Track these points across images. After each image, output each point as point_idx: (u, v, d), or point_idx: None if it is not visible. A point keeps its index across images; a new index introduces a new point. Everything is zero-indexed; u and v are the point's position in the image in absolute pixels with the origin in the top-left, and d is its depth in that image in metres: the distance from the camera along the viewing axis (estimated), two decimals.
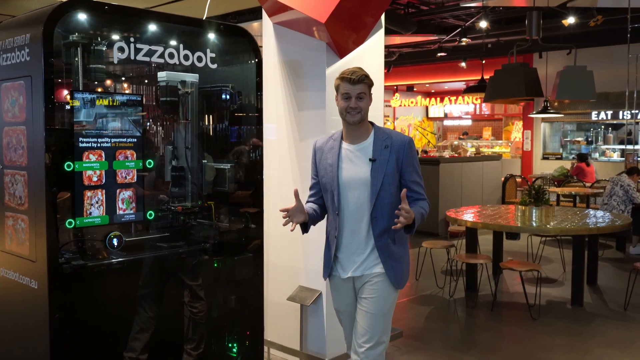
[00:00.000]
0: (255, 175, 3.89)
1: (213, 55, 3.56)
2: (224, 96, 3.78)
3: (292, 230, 2.85)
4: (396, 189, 2.87)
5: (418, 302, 6.32)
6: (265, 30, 4.56)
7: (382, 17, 4.53)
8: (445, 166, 10.12)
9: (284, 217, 2.82)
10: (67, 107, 3.02)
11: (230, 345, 3.95)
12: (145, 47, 3.25)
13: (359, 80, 2.80)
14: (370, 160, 2.83)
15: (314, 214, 2.97)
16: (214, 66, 3.59)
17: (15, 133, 3.11)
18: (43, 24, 2.86)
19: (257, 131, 3.83)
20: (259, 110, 3.81)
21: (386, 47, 14.52)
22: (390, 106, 19.39)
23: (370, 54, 4.49)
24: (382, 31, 4.59)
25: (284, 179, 4.51)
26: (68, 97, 3.02)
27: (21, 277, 3.15)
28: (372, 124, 2.95)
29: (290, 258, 4.54)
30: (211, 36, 3.60)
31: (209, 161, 3.80)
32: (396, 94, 19.02)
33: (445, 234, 9.29)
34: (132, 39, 3.21)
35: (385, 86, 20.07)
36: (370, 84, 2.87)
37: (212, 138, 3.93)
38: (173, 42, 3.41)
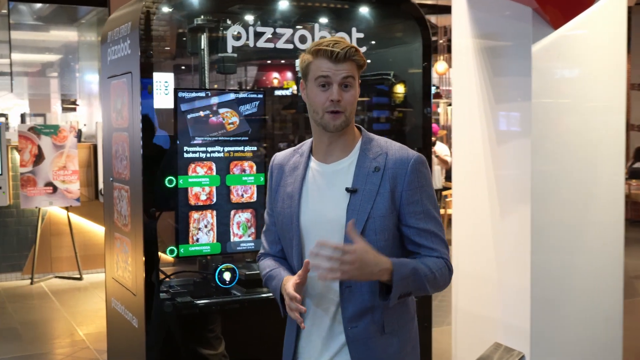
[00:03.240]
0: None
1: (361, 35, 3.37)
2: (379, 87, 3.58)
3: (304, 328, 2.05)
4: (391, 240, 2.06)
5: None
6: None
7: None
8: None
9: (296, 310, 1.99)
10: (170, 109, 3.08)
11: None
12: (269, 31, 3.18)
13: (346, 56, 1.99)
14: (347, 190, 2.05)
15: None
16: (362, 49, 3.39)
17: (120, 140, 3.27)
18: (141, 8, 2.95)
19: (423, 133, 3.56)
20: (426, 105, 3.54)
21: None
22: None
23: (602, 22, 3.90)
24: None
25: (477, 196, 4.16)
26: (171, 96, 3.08)
27: (125, 312, 3.31)
28: (359, 129, 2.16)
29: (484, 306, 4.17)
30: (361, 11, 3.42)
31: None
32: None
33: None
34: (251, 22, 3.17)
35: None
36: (361, 63, 2.05)
37: None
38: (306, 23, 3.31)
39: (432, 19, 13.89)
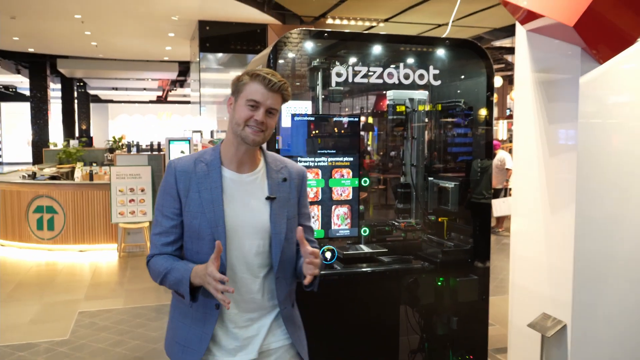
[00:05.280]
0: (485, 192, 3.32)
1: (437, 71, 3.12)
2: (453, 113, 3.30)
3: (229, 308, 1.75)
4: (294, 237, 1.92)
5: None
6: (518, 39, 3.87)
7: None
8: None
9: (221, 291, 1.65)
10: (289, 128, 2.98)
11: None
12: (363, 69, 3.01)
13: (279, 88, 1.79)
14: (267, 198, 1.85)
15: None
16: (437, 83, 3.14)
17: None
18: (268, 54, 2.86)
19: (486, 146, 3.26)
20: (489, 126, 3.23)
21: None
22: None
23: None
24: None
25: (532, 194, 3.79)
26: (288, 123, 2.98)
27: None
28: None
29: (535, 282, 3.81)
30: (437, 53, 3.16)
31: (435, 178, 3.38)
32: None
33: None
34: (349, 62, 3.00)
35: None
36: (286, 98, 1.84)
37: (439, 155, 3.49)
38: (394, 62, 3.10)
39: (509, 58, 13.12)
